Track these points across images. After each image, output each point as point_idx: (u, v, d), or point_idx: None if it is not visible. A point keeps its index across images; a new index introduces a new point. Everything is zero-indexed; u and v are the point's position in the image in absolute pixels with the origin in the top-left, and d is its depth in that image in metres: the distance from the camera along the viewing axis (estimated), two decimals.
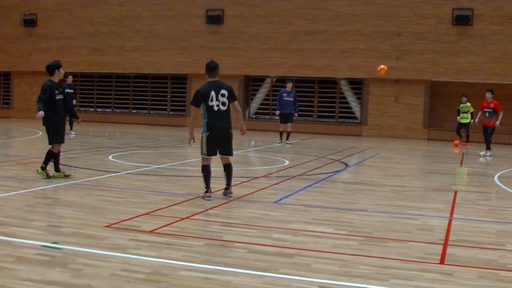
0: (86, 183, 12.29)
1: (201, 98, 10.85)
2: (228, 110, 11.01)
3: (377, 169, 17.77)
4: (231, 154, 11.21)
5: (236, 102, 11.13)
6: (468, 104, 26.40)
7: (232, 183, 11.41)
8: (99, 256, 6.87)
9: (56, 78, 12.62)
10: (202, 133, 10.95)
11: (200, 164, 11.05)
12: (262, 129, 33.62)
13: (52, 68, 12.61)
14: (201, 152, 11.02)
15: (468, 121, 26.22)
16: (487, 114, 22.13)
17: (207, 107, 10.85)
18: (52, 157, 12.65)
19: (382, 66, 25.90)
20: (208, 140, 10.92)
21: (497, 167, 19.21)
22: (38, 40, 38.39)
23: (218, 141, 10.99)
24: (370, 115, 32.46)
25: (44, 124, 12.58)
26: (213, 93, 10.82)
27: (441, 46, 31.01)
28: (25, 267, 6.34)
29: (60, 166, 12.90)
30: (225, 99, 10.90)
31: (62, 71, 12.79)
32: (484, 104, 22.24)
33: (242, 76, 34.30)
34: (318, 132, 32.81)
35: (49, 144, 12.68)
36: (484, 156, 22.20)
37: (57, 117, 12.53)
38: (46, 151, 12.73)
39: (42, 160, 12.74)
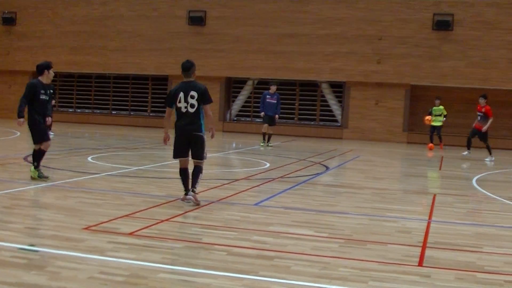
0: (65, 185, 12.20)
1: (171, 98, 10.62)
2: (196, 113, 10.48)
3: (358, 171, 17.81)
4: (199, 159, 10.68)
5: (207, 106, 10.54)
6: (441, 107, 26.62)
7: (212, 185, 11.37)
8: (77, 259, 6.81)
9: (44, 78, 12.48)
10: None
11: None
12: (243, 131, 33.65)
13: (41, 68, 12.48)
14: None
15: (440, 124, 26.50)
16: (479, 117, 22.59)
17: (176, 108, 10.58)
18: (38, 154, 12.51)
19: (428, 118, 26.06)
20: (175, 142, 10.71)
21: (475, 170, 19.31)
22: (17, 38, 38.04)
23: (187, 143, 10.65)
24: (351, 118, 32.53)
25: (28, 124, 12.46)
26: (181, 94, 10.45)
27: (422, 50, 31.18)
28: (0, 270, 6.27)
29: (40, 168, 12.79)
30: (194, 101, 10.41)
31: (51, 72, 12.66)
32: (478, 108, 22.70)
33: (224, 78, 34.26)
34: (299, 135, 32.82)
35: (34, 143, 12.59)
36: (490, 161, 22.32)
37: (38, 116, 12.43)
38: (24, 151, 12.63)
39: (21, 160, 12.65)
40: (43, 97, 12.37)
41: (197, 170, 10.67)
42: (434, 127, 26.59)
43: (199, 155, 10.64)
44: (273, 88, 24.66)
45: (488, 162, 21.93)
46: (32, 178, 12.43)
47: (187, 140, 10.59)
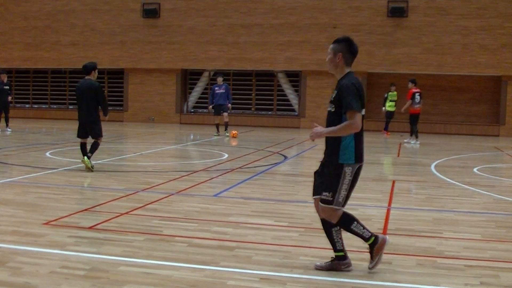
0: (23, 181, 12.10)
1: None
2: None
3: (316, 160, 17.78)
4: None
5: None
6: (395, 92, 27.09)
7: (171, 177, 11.31)
8: (38, 254, 6.78)
9: (92, 78, 14.01)
10: None
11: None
12: (200, 122, 33.61)
13: (89, 69, 14.28)
14: None
15: (394, 109, 26.93)
16: (418, 99, 22.99)
17: None
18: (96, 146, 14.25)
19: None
20: None
21: (433, 156, 19.49)
22: None
23: None
24: (308, 107, 32.65)
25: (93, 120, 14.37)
26: None
27: (376, 38, 31.37)
28: None
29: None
30: None
31: (96, 72, 14.41)
32: (415, 90, 22.99)
33: (180, 70, 34.15)
34: (256, 125, 32.90)
35: (99, 137, 14.52)
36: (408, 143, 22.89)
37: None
38: None
39: None
40: None
41: None
42: (390, 113, 26.91)
43: None
44: (219, 80, 25.22)
45: (408, 144, 22.46)
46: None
47: None
